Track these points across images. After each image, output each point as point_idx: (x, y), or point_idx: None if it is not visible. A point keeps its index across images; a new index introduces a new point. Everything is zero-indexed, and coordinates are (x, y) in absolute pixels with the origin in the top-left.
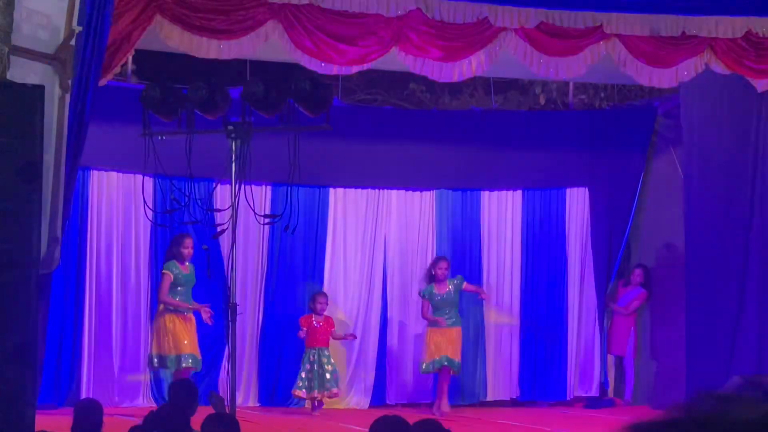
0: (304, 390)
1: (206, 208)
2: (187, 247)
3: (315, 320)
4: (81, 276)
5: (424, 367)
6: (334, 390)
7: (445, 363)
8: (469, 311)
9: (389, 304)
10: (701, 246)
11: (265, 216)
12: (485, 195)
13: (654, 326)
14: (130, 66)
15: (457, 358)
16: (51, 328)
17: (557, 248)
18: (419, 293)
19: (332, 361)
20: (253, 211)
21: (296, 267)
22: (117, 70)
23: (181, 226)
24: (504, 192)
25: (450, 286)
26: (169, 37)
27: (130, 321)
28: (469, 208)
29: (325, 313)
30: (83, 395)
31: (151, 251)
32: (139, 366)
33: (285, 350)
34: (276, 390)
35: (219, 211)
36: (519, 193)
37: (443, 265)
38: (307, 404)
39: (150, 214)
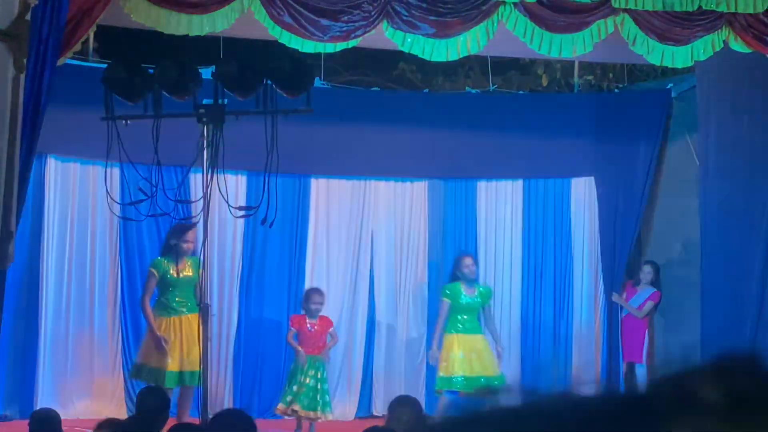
0: (296, 405)
1: (175, 199)
2: (188, 241)
3: (309, 323)
4: (35, 274)
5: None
6: (329, 415)
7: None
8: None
9: (377, 306)
10: (719, 242)
11: (240, 208)
12: (482, 185)
13: (667, 330)
14: (91, 44)
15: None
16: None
17: (562, 244)
18: (442, 291)
19: (326, 375)
20: (227, 202)
21: (274, 264)
22: (77, 47)
23: (150, 215)
24: (503, 182)
25: (476, 292)
26: (134, 11)
27: (93, 324)
28: (464, 199)
29: (321, 313)
30: (37, 405)
31: (120, 247)
32: (105, 371)
33: (263, 356)
34: (252, 401)
35: (189, 202)
36: (519, 183)
37: (468, 261)
38: (303, 423)
39: (114, 205)
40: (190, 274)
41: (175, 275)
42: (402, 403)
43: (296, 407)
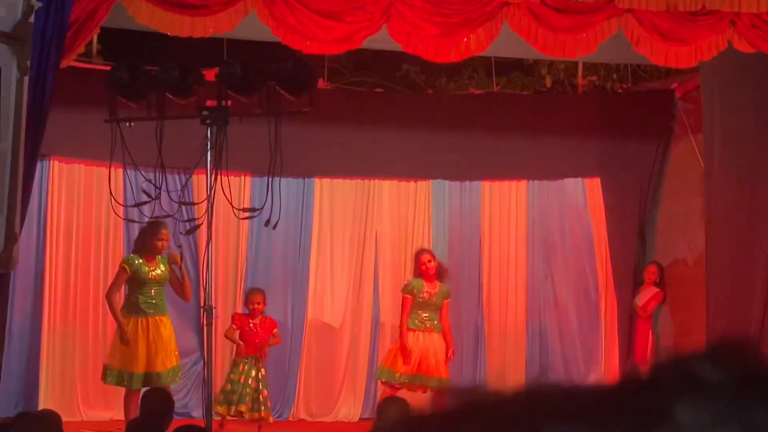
0: (225, 405)
1: (179, 201)
2: (163, 239)
3: (251, 323)
4: (40, 277)
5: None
6: (263, 414)
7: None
8: (469, 304)
9: (381, 306)
10: (724, 242)
11: (244, 209)
12: (486, 186)
13: (672, 331)
14: (95, 46)
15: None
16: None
17: (566, 244)
18: (403, 288)
19: (260, 375)
20: (231, 204)
21: (278, 266)
22: (81, 50)
23: (154, 217)
24: (507, 182)
25: (436, 289)
26: (137, 13)
27: (97, 326)
28: (468, 200)
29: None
30: (41, 407)
31: (125, 250)
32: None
33: (267, 358)
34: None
35: (193, 204)
36: (523, 183)
37: (426, 257)
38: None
39: (118, 207)
40: (162, 273)
41: (148, 274)
42: (389, 402)
43: (242, 408)
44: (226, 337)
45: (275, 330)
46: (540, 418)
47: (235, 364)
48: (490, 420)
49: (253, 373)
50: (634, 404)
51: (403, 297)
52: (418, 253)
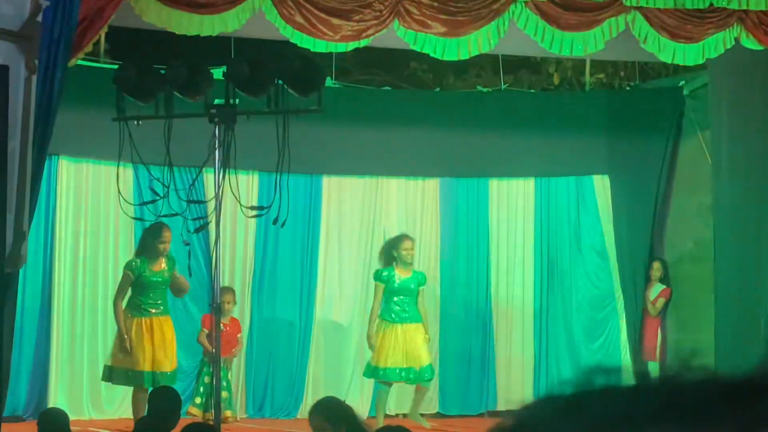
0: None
1: (187, 200)
2: (165, 242)
3: (222, 322)
4: (48, 275)
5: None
6: (228, 413)
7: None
8: (477, 303)
9: None
10: (731, 239)
11: (252, 208)
12: (494, 183)
13: (679, 329)
14: (102, 45)
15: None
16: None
17: (574, 241)
18: (374, 275)
19: (229, 377)
20: (239, 202)
21: (286, 264)
22: (88, 48)
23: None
24: (515, 180)
25: (412, 274)
26: (145, 12)
27: (106, 325)
28: (476, 197)
29: (232, 314)
30: (50, 405)
31: (133, 248)
32: None
33: (275, 356)
34: (265, 400)
35: (202, 202)
36: (531, 181)
37: (408, 245)
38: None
39: (126, 206)
40: (165, 274)
41: (150, 276)
42: (311, 412)
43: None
44: (199, 342)
45: (239, 335)
46: (646, 418)
47: (204, 373)
48: (597, 417)
49: (222, 374)
50: (743, 408)
51: (375, 285)
52: (398, 239)
